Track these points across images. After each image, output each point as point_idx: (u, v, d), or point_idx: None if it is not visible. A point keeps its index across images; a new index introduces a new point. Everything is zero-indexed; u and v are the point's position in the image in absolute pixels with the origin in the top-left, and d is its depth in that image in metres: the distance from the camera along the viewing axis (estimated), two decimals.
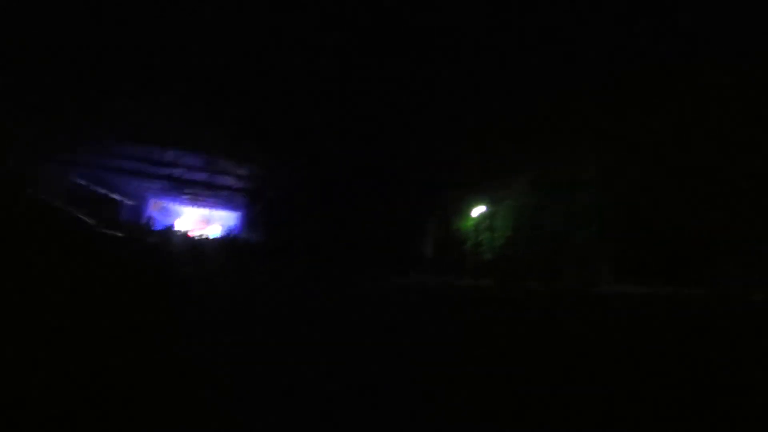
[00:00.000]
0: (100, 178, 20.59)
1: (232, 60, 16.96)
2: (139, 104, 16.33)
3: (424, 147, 17.18)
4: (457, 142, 16.53)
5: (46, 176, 16.33)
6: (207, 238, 20.45)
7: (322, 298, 9.28)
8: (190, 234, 19.69)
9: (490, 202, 18.74)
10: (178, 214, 26.43)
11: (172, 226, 21.65)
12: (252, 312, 7.04)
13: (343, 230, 18.20)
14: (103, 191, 21.39)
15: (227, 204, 26.62)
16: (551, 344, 6.09)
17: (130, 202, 24.34)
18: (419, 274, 17.39)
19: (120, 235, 15.66)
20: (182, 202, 26.28)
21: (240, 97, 16.71)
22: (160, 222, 22.30)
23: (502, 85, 14.11)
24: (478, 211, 19.15)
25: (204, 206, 26.66)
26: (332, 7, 12.24)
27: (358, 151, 17.79)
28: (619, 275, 14.42)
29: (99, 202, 20.23)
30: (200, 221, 26.74)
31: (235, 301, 7.89)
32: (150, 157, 18.76)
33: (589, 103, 13.78)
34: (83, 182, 19.41)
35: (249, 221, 25.66)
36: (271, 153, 18.10)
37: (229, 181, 22.00)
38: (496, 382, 4.16)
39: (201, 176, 21.29)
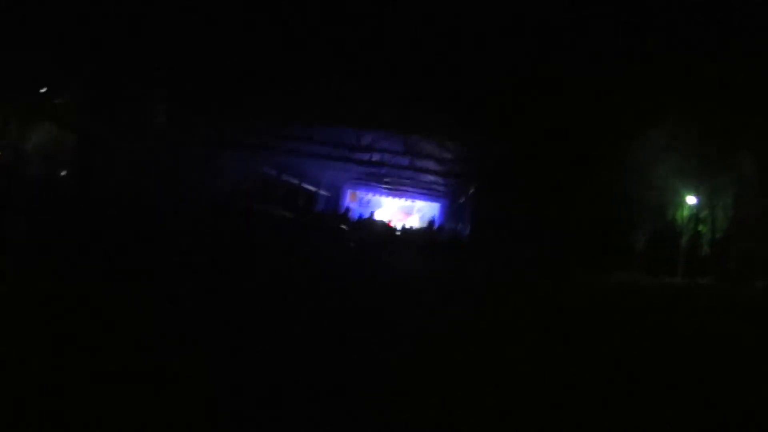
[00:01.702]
0: (293, 168, 19.96)
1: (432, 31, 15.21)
2: (332, 82, 15.06)
3: (635, 131, 15.84)
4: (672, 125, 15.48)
5: (234, 165, 15.82)
6: (409, 229, 18.68)
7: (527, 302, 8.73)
8: (390, 225, 18.04)
9: (709, 191, 17.37)
10: (376, 205, 25.73)
11: (371, 216, 20.37)
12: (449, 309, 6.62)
13: (550, 224, 15.69)
14: (296, 181, 21.02)
15: (428, 194, 25.53)
16: None
17: (325, 193, 24.07)
18: (630, 272, 16.56)
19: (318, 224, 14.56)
20: (381, 193, 25.93)
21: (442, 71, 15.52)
22: (357, 213, 21.23)
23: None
24: (693, 201, 17.83)
25: (404, 197, 25.87)
26: None
27: (566, 136, 16.17)
28: None
29: (292, 193, 19.91)
30: (400, 212, 25.66)
31: (434, 297, 7.52)
32: (345, 141, 17.55)
33: None
34: (274, 172, 18.96)
35: (452, 212, 24.24)
36: (477, 133, 16.66)
37: (430, 165, 20.28)
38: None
39: (400, 161, 19.74)
